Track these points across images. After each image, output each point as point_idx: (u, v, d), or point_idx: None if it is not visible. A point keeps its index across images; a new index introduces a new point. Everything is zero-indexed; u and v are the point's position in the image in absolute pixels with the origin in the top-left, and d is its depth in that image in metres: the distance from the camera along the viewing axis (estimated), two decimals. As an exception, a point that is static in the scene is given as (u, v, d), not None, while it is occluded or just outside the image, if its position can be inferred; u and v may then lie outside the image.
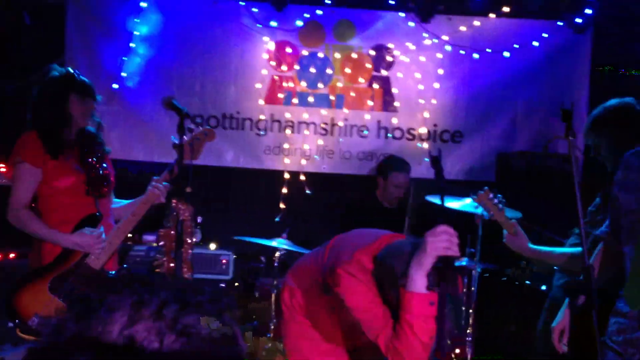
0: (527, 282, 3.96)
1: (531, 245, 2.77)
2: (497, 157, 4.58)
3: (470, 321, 3.52)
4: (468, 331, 3.53)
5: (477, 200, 2.80)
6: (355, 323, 2.07)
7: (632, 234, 2.21)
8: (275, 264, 3.64)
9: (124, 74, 4.40)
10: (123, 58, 4.39)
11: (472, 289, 3.54)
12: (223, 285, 3.96)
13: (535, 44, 4.50)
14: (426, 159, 4.29)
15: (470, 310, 3.52)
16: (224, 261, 4.04)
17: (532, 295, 4.04)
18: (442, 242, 1.90)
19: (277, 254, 3.63)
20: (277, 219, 4.27)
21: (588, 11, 4.39)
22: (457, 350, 3.65)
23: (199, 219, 3.67)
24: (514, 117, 4.60)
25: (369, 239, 2.14)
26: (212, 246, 4.11)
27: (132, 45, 4.40)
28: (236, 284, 4.17)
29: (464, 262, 3.66)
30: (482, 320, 3.71)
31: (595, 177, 3.70)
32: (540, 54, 4.51)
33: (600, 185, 2.91)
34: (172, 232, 2.60)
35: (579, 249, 2.47)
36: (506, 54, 4.50)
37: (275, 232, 3.72)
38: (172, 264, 2.61)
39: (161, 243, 2.66)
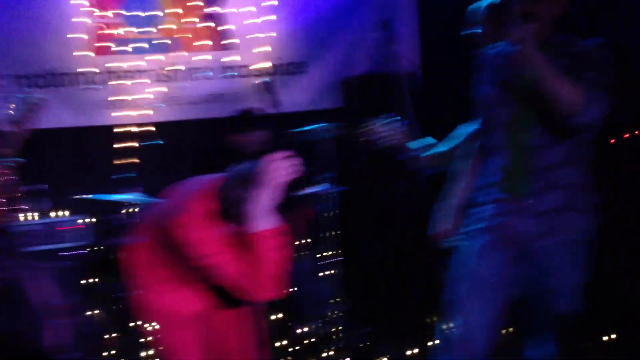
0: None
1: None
2: (342, 82, 4.67)
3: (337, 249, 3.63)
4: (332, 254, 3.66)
5: (370, 132, 2.78)
6: (206, 271, 2.02)
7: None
8: (130, 220, 3.50)
9: None
10: None
11: (333, 212, 3.65)
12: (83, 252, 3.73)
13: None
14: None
15: (335, 234, 3.63)
16: (81, 226, 3.80)
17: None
18: (277, 169, 1.89)
19: (130, 209, 3.49)
20: (130, 175, 4.07)
21: None
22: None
23: (44, 187, 3.40)
24: (352, 42, 4.68)
25: (206, 180, 2.07)
26: (66, 213, 3.85)
27: None
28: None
29: (320, 188, 3.74)
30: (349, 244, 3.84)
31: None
32: (368, -22, 4.60)
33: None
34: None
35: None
36: (337, -22, 4.54)
37: (131, 188, 3.56)
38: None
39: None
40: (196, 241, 1.97)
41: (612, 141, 3.67)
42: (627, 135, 3.73)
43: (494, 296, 2.29)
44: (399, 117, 2.83)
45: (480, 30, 2.87)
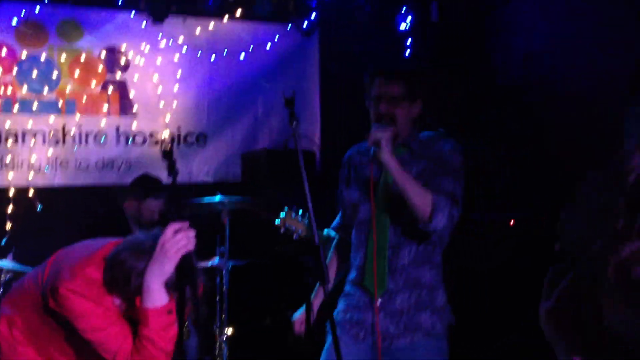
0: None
1: None
2: (242, 156, 4.65)
3: (224, 321, 3.50)
4: (224, 331, 3.51)
5: (282, 224, 2.79)
6: (89, 344, 1.87)
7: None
8: (0, 289, 3.18)
9: None
10: None
11: (224, 287, 3.53)
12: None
13: (269, 46, 4.67)
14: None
15: (223, 310, 3.50)
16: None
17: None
18: (180, 241, 1.82)
19: (2, 277, 3.19)
20: (2, 241, 3.75)
21: (313, 15, 4.71)
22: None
23: None
24: (255, 117, 4.71)
25: (95, 247, 1.94)
26: None
27: None
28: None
29: (215, 261, 3.62)
30: (237, 318, 3.71)
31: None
32: (274, 56, 4.70)
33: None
34: None
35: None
36: (242, 56, 4.60)
37: (1, 255, 3.26)
38: None
39: None
40: (85, 312, 1.83)
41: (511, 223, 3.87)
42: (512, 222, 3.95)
43: None
44: (300, 211, 2.85)
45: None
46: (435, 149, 2.36)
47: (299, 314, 2.58)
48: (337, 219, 2.61)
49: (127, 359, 1.85)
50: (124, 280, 1.85)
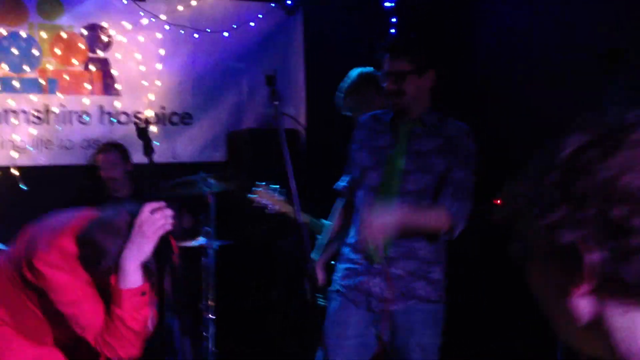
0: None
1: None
2: (227, 136, 4.64)
3: (210, 302, 3.52)
4: (210, 312, 3.53)
5: (259, 198, 2.80)
6: (64, 317, 1.87)
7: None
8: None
9: None
10: None
11: (210, 268, 3.54)
12: None
13: (252, 24, 4.64)
14: (157, 143, 4.13)
15: (209, 290, 3.52)
16: None
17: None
18: (158, 221, 1.81)
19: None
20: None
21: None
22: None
23: None
24: (240, 96, 4.69)
25: (68, 219, 1.91)
26: None
27: None
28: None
29: (201, 241, 3.63)
30: (224, 297, 3.73)
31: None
32: (257, 34, 4.66)
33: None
34: None
35: None
36: (225, 34, 4.56)
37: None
38: None
39: None
40: (61, 284, 1.81)
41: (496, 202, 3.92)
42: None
43: (356, 356, 2.32)
44: (277, 186, 2.86)
45: (342, 95, 3.02)
46: (450, 128, 2.37)
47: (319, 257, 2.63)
48: (344, 179, 2.60)
49: (97, 335, 1.84)
50: (94, 260, 1.83)
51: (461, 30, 4.40)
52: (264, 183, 2.88)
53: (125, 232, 1.82)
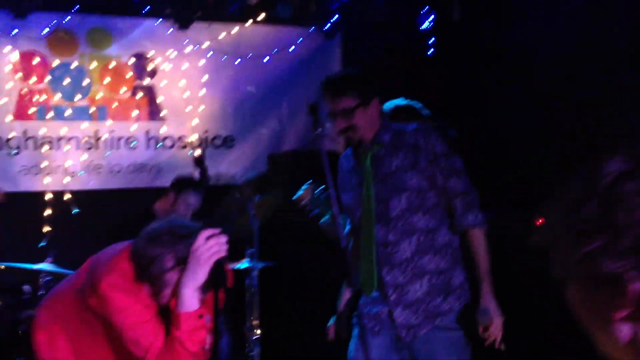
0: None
1: None
2: (269, 158, 4.73)
3: (255, 322, 3.57)
4: (255, 331, 3.58)
5: (303, 197, 2.84)
6: (126, 343, 1.95)
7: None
8: (41, 292, 3.29)
9: None
10: None
11: (253, 289, 3.60)
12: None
13: (292, 49, 4.75)
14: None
15: (253, 311, 3.57)
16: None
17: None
18: (213, 247, 1.87)
19: (41, 280, 3.29)
20: (41, 244, 3.87)
21: (334, 17, 4.77)
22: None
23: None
24: (281, 119, 4.79)
25: (123, 245, 2.02)
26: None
27: None
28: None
29: (245, 263, 3.69)
30: (269, 319, 3.78)
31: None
32: (297, 58, 4.77)
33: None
34: None
35: None
36: (266, 59, 4.68)
37: (40, 258, 3.37)
38: None
39: None
40: (124, 307, 1.90)
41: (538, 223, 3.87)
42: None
43: None
44: (321, 187, 2.91)
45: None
46: (410, 140, 2.41)
47: (331, 322, 2.67)
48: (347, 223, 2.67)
49: (157, 356, 1.91)
50: (144, 267, 1.91)
51: (462, 30, 4.42)
52: (308, 183, 2.92)
53: (167, 238, 1.91)
